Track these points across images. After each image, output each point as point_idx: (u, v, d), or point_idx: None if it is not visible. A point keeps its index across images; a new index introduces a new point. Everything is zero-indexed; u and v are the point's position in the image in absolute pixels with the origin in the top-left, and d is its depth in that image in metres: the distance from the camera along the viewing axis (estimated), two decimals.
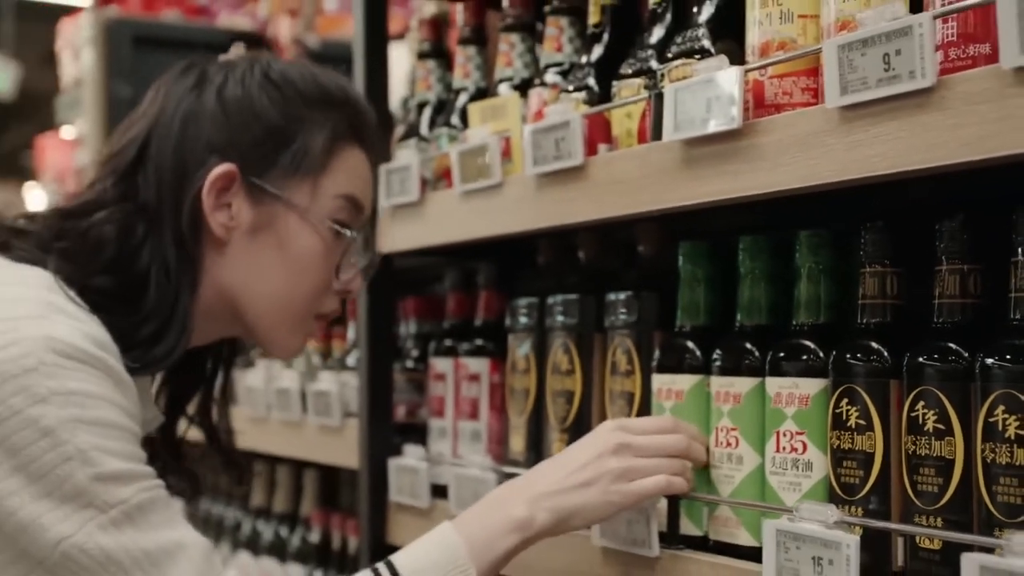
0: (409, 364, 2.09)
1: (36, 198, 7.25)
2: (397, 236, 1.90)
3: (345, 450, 2.14)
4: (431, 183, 1.87)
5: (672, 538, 1.38)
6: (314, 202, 1.40)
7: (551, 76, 1.68)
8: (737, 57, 1.31)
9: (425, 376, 2.00)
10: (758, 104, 1.27)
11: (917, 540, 1.15)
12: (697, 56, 1.36)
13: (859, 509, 1.20)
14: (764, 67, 1.26)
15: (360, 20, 2.02)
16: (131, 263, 1.33)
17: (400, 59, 2.45)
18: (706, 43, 1.36)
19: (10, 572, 1.16)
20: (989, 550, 1.01)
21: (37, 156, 5.45)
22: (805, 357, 1.28)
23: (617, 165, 1.44)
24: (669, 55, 1.41)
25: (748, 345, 1.35)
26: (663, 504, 1.38)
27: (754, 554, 1.28)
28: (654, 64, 1.45)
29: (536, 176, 1.56)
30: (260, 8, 4.49)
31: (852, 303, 1.27)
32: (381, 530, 1.97)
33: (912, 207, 1.27)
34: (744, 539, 1.33)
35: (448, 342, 1.92)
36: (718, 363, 1.38)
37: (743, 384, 1.34)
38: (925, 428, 1.15)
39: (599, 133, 1.51)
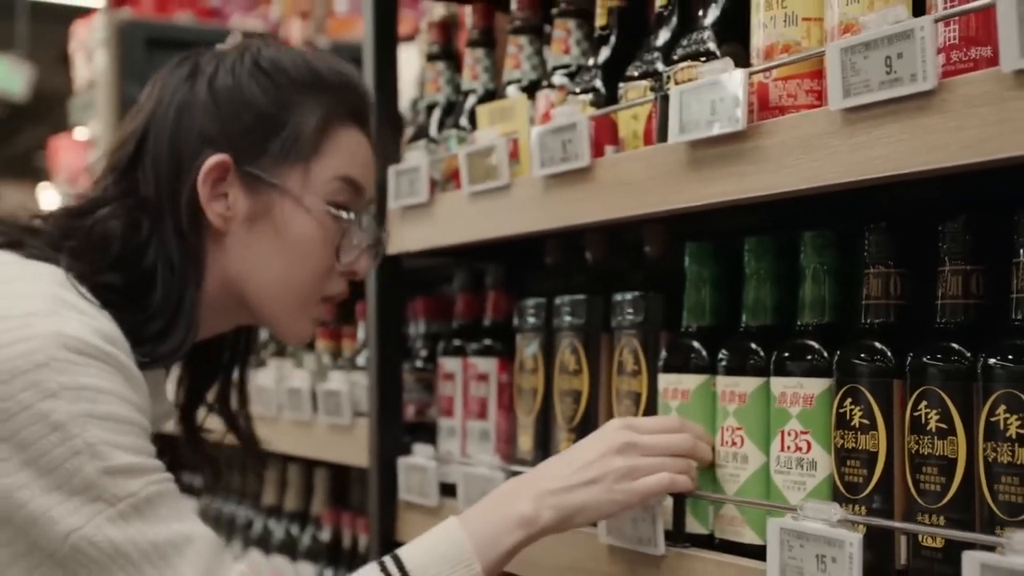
0: (418, 364, 2.10)
1: (50, 199, 7.29)
2: (406, 237, 1.91)
3: (355, 449, 2.15)
4: (440, 184, 1.88)
5: (678, 536, 1.39)
6: (308, 186, 1.40)
7: (558, 78, 1.70)
8: (742, 60, 1.32)
9: (434, 376, 2.02)
10: (763, 106, 1.28)
11: (920, 538, 1.16)
12: (702, 59, 1.37)
13: (863, 508, 1.21)
14: (768, 69, 1.27)
15: (370, 22, 2.03)
16: (138, 259, 1.35)
17: (410, 61, 2.47)
18: (711, 46, 1.37)
19: (21, 564, 1.18)
20: (991, 548, 1.02)
21: (51, 157, 5.48)
22: (809, 357, 1.29)
23: (623, 166, 1.45)
24: (675, 57, 1.42)
25: (753, 345, 1.36)
26: (669, 502, 1.39)
27: (759, 552, 1.28)
28: (660, 66, 1.46)
29: (544, 177, 1.57)
30: (272, 10, 4.51)
31: (856, 303, 1.28)
32: (391, 528, 1.98)
33: (915, 208, 1.28)
34: (749, 537, 1.34)
35: (457, 342, 1.93)
36: (724, 363, 1.39)
37: (748, 384, 1.35)
38: (928, 427, 1.15)
39: (606, 135, 1.52)
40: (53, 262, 1.31)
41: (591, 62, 1.63)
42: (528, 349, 1.72)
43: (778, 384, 1.32)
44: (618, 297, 1.55)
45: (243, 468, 1.62)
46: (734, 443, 1.37)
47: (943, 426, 1.14)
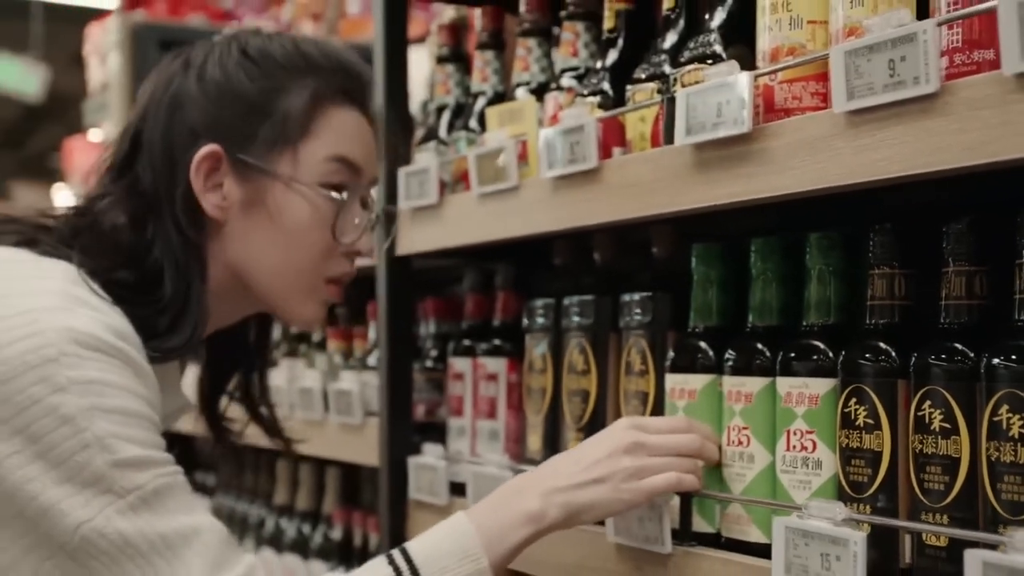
0: (428, 364, 2.11)
1: (64, 199, 7.32)
2: (416, 238, 1.92)
3: (366, 448, 2.16)
4: (449, 186, 1.89)
5: (684, 535, 1.40)
6: (299, 169, 1.40)
7: (567, 80, 1.71)
8: (748, 62, 1.33)
9: (444, 376, 2.03)
10: (768, 108, 1.29)
11: (924, 537, 1.17)
12: (709, 61, 1.38)
13: (867, 507, 1.22)
14: (774, 72, 1.28)
15: (380, 24, 2.04)
16: (144, 255, 1.36)
17: (420, 63, 2.48)
18: (718, 48, 1.38)
19: (32, 556, 1.20)
20: (993, 547, 1.03)
21: (65, 158, 5.51)
22: (815, 357, 1.30)
23: (631, 168, 1.46)
24: (682, 60, 1.43)
25: (759, 345, 1.37)
26: (676, 501, 1.40)
27: (765, 551, 1.29)
28: (667, 69, 1.47)
29: (552, 179, 1.58)
30: (284, 12, 4.53)
31: (861, 304, 1.29)
32: (401, 527, 1.99)
33: (920, 210, 1.29)
34: (755, 536, 1.35)
35: (467, 342, 1.95)
36: (730, 363, 1.40)
37: (754, 384, 1.36)
38: (932, 427, 1.16)
39: (613, 136, 1.53)
40: (66, 259, 1.33)
41: (599, 64, 1.64)
42: (537, 349, 1.73)
43: (784, 384, 1.33)
44: (626, 298, 1.56)
45: (271, 454, 1.62)
46: (740, 443, 1.38)
47: (947, 426, 1.15)
